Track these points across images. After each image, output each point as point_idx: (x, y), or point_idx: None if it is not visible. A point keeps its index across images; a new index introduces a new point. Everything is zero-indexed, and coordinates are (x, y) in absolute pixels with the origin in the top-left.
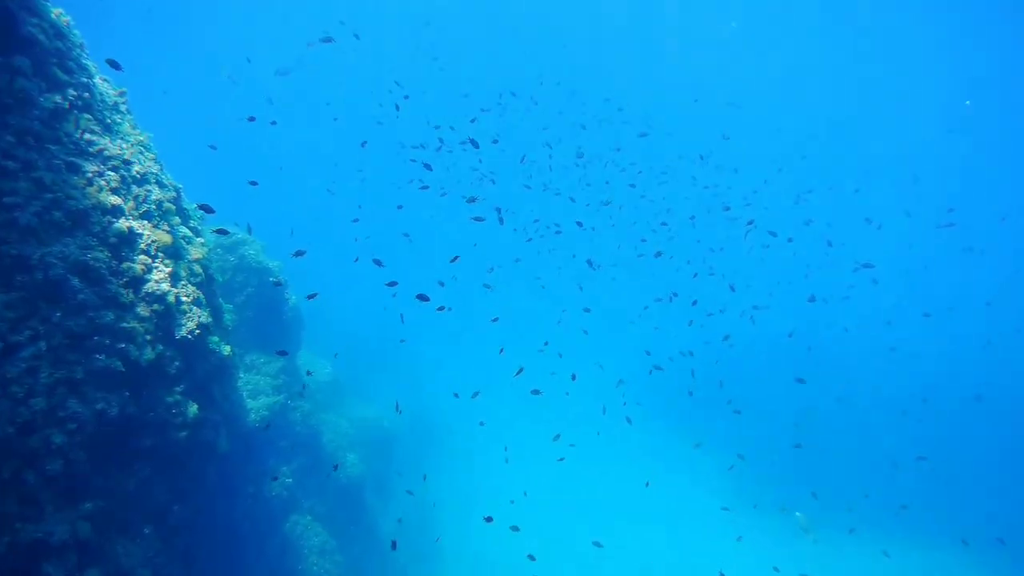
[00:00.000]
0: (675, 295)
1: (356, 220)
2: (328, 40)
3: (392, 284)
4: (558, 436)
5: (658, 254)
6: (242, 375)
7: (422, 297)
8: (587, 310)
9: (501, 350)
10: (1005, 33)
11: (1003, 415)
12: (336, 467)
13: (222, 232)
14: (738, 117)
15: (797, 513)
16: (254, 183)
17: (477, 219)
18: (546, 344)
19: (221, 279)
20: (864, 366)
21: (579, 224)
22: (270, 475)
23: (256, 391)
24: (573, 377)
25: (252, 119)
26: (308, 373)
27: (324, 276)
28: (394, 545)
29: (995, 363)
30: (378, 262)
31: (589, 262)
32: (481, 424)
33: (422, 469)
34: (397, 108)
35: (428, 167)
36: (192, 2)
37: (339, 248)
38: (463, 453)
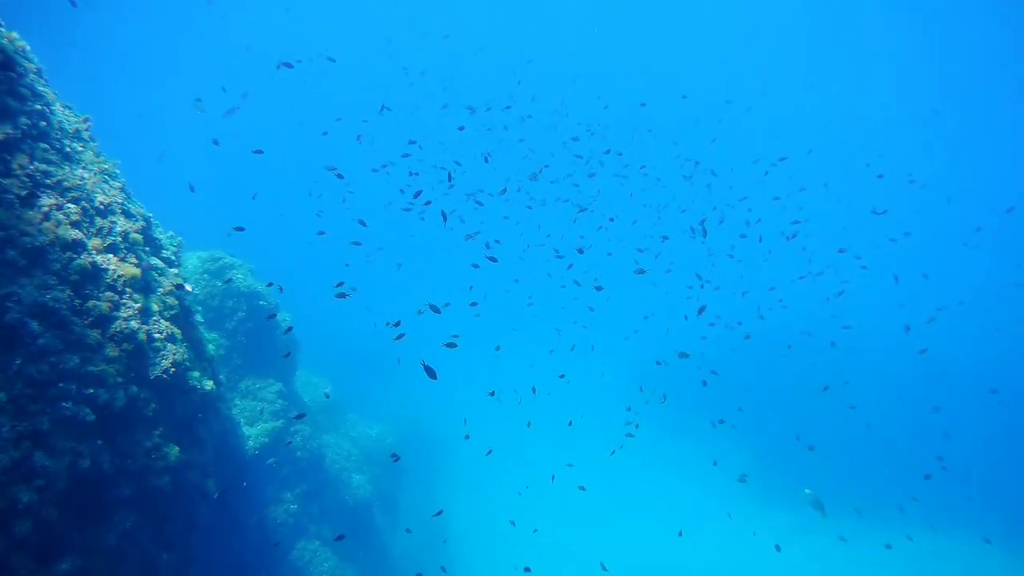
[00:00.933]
0: (686, 317)
1: (357, 244)
2: (288, 65)
3: (395, 326)
4: (554, 477)
5: (640, 271)
6: (238, 402)
7: (429, 372)
8: (585, 327)
9: (492, 392)
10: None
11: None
12: (340, 538)
13: (180, 287)
14: (727, 117)
15: (807, 490)
16: (240, 229)
17: (491, 259)
18: (562, 376)
19: (202, 308)
20: (877, 368)
21: (580, 251)
22: (273, 503)
23: (254, 417)
24: (570, 423)
25: (216, 143)
26: (298, 417)
27: (317, 296)
28: None
29: (1006, 356)
30: (343, 295)
31: (597, 287)
32: (489, 453)
33: (430, 489)
34: (359, 138)
35: (426, 202)
36: (166, 31)
37: (331, 268)
38: (469, 476)
